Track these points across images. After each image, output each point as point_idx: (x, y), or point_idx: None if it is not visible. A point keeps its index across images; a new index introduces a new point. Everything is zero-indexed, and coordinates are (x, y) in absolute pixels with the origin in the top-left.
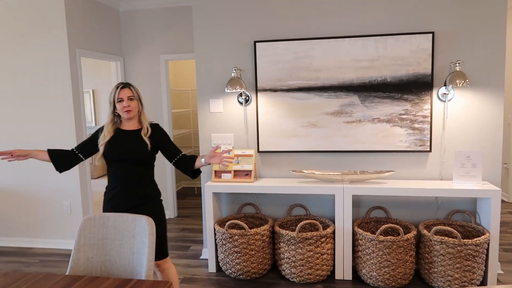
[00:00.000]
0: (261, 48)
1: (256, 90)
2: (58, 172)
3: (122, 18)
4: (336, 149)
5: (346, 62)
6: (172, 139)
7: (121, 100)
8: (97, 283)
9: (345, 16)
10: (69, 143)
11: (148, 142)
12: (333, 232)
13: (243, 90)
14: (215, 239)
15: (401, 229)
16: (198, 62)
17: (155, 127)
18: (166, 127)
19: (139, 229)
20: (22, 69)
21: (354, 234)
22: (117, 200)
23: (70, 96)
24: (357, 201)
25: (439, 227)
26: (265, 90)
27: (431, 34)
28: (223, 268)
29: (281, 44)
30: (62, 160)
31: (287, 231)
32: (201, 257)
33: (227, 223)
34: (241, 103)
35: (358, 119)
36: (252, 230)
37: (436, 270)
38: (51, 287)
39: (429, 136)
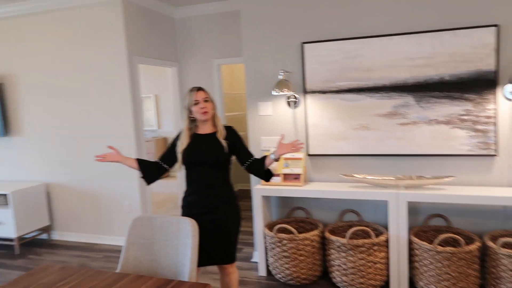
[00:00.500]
0: (309, 49)
1: (305, 92)
2: (142, 180)
3: (177, 25)
4: (389, 152)
5: (399, 61)
6: None
7: (197, 103)
8: (140, 282)
9: (397, 12)
10: (128, 145)
11: (224, 143)
12: (387, 240)
13: (290, 92)
14: (265, 243)
15: (462, 239)
16: (246, 65)
17: (230, 129)
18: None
19: (183, 230)
20: (84, 76)
21: (410, 243)
22: (196, 204)
23: (129, 101)
24: (413, 208)
25: (507, 239)
26: (313, 92)
27: (495, 28)
28: (272, 272)
29: (329, 45)
30: (149, 170)
31: (337, 237)
32: (252, 260)
33: (276, 227)
34: (289, 106)
35: (413, 120)
36: (301, 235)
37: (503, 287)
38: (99, 283)
39: (494, 138)
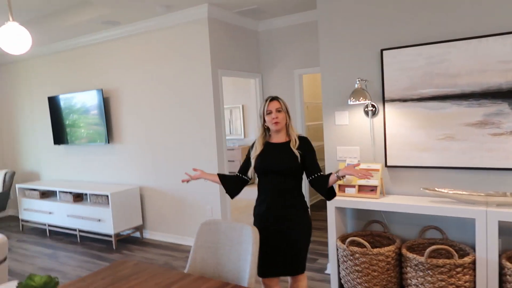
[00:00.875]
0: (389, 56)
1: (383, 101)
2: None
3: (261, 38)
4: (479, 165)
5: (491, 65)
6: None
7: (270, 113)
8: (200, 282)
9: (487, 11)
10: (210, 153)
11: (297, 153)
12: (473, 263)
13: (367, 101)
14: (337, 255)
15: None
16: (323, 75)
17: (303, 140)
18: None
19: (245, 237)
20: (173, 90)
21: (501, 268)
22: (266, 213)
23: (212, 111)
24: (507, 229)
25: None
26: (393, 100)
27: None
28: (344, 286)
29: (411, 50)
30: (230, 184)
31: (415, 255)
32: (326, 272)
33: (349, 239)
34: (367, 115)
35: (509, 130)
36: (374, 249)
37: None
38: (164, 280)
39: None
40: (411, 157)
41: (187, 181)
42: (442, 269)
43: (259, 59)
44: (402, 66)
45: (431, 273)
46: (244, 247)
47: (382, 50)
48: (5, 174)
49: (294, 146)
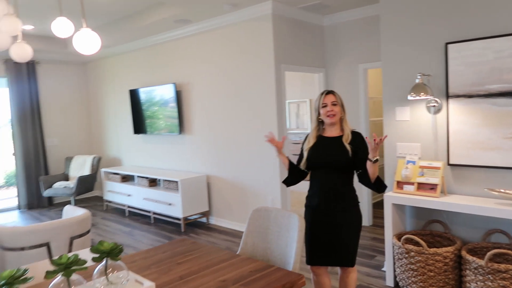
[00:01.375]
0: (454, 50)
1: (447, 96)
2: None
3: (326, 32)
4: None
5: None
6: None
7: (325, 106)
8: (247, 263)
9: None
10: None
11: (349, 148)
12: None
13: (428, 96)
14: (393, 252)
15: None
16: (384, 69)
17: (357, 135)
18: (364, 135)
19: (292, 224)
20: (238, 84)
21: None
22: (316, 206)
23: (275, 106)
24: None
25: None
26: (457, 96)
27: None
28: (399, 284)
29: (478, 44)
30: (293, 172)
31: (474, 258)
32: (382, 269)
33: (404, 237)
34: (429, 111)
35: None
36: (431, 249)
37: None
38: (215, 258)
39: None
40: (475, 156)
41: (270, 141)
42: (504, 274)
43: (324, 53)
44: (468, 61)
45: (491, 278)
46: (291, 234)
47: (446, 44)
48: (93, 159)
49: (346, 140)
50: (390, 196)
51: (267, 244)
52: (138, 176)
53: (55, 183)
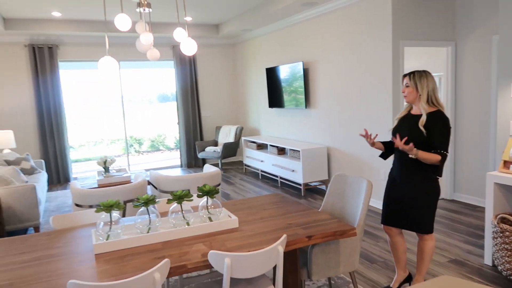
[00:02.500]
0: None
1: None
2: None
3: (457, 2)
4: None
5: None
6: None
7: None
8: (317, 214)
9: None
10: (386, 122)
11: (422, 129)
12: None
13: None
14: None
15: None
16: (501, 41)
17: (432, 115)
18: (493, 114)
19: (362, 188)
20: (356, 62)
21: None
22: (394, 174)
23: (390, 83)
24: None
25: None
26: None
27: None
28: (495, 262)
29: None
30: (387, 148)
31: None
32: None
33: (499, 216)
34: None
35: None
36: None
37: None
38: (294, 208)
39: None
40: None
41: (365, 136)
42: None
43: (454, 25)
44: None
45: None
46: (361, 197)
47: None
48: (237, 129)
49: (422, 122)
50: (493, 176)
51: (343, 204)
52: (270, 145)
53: (206, 147)
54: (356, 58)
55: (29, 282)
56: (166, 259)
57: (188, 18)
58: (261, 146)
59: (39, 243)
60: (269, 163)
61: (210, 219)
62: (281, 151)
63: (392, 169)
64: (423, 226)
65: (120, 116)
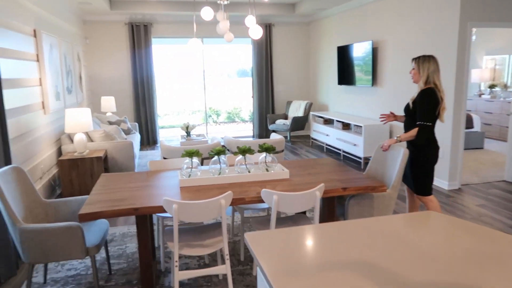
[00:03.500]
0: None
1: None
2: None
3: None
4: None
5: None
6: None
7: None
8: (355, 174)
9: None
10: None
11: (410, 101)
12: None
13: None
14: None
15: None
16: None
17: (422, 92)
18: None
19: (398, 156)
20: (420, 43)
21: None
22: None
23: (454, 63)
24: None
25: None
26: None
27: None
28: None
29: None
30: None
31: None
32: None
33: None
34: None
35: None
36: None
37: None
38: (338, 170)
39: None
40: None
41: (386, 117)
42: None
43: None
44: None
45: None
46: (397, 163)
47: None
48: (306, 104)
49: (413, 98)
50: None
51: (384, 170)
52: (336, 120)
53: (277, 120)
54: (423, 38)
55: (135, 199)
56: (229, 192)
57: None
58: (328, 121)
59: (140, 178)
60: (333, 137)
61: (267, 170)
62: (346, 126)
63: None
64: (418, 188)
65: (201, 89)
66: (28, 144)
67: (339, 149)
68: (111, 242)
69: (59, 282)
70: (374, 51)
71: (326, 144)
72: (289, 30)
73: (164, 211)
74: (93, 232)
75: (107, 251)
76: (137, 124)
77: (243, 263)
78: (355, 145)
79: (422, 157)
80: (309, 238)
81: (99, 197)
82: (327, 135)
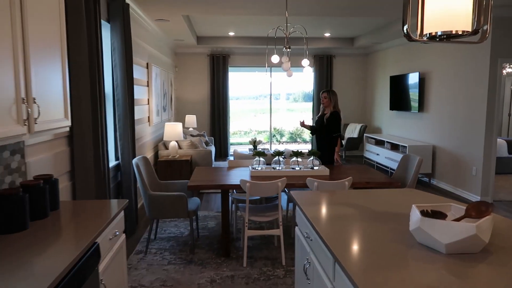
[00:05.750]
0: None
1: None
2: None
3: None
4: None
5: None
6: None
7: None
8: (378, 175)
9: None
10: (480, 125)
11: (324, 120)
12: None
13: None
14: None
15: None
16: None
17: (332, 113)
18: None
19: (415, 162)
20: (458, 74)
21: None
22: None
23: (485, 100)
24: None
25: None
26: None
27: None
28: None
29: None
30: (313, 130)
31: None
32: None
33: None
34: None
35: None
36: None
37: None
38: (368, 173)
39: None
40: None
41: (301, 124)
42: None
43: None
44: None
45: None
46: (413, 168)
47: None
48: (361, 126)
49: (326, 116)
50: None
51: (405, 174)
52: (386, 141)
53: None
54: (461, 71)
55: (220, 180)
56: (284, 177)
57: (327, 34)
58: (379, 142)
59: (222, 170)
60: (383, 156)
61: (312, 168)
62: (394, 147)
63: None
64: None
65: (267, 111)
66: (141, 146)
67: (388, 167)
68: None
69: (164, 239)
70: (421, 81)
71: (377, 163)
72: (348, 61)
73: (240, 189)
74: (191, 203)
75: (196, 222)
76: (213, 138)
77: (293, 239)
78: None
79: (331, 155)
80: (336, 199)
81: (198, 178)
82: (377, 154)
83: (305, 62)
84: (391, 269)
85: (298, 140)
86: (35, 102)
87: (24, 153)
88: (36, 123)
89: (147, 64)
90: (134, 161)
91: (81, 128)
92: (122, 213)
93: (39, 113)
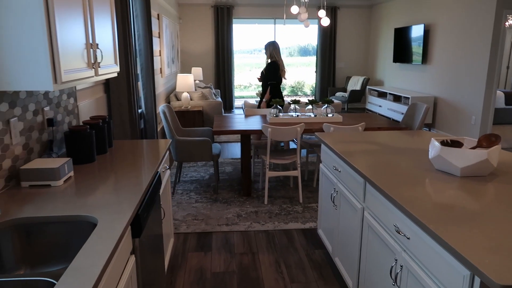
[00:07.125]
0: None
1: None
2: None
3: None
4: None
5: None
6: None
7: None
8: (388, 122)
9: None
10: (481, 77)
11: (263, 70)
12: None
13: None
14: None
15: None
16: None
17: (268, 63)
18: None
19: (422, 109)
20: (462, 26)
21: None
22: None
23: (489, 45)
24: None
25: None
26: None
27: None
28: None
29: None
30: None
31: None
32: None
33: None
34: None
35: None
36: None
37: None
38: (377, 122)
39: None
40: None
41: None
42: None
43: None
44: None
45: None
46: (421, 115)
47: None
48: (364, 79)
49: (264, 67)
50: None
51: (412, 121)
52: (388, 93)
53: (336, 92)
54: (466, 23)
55: (241, 126)
56: (302, 123)
57: None
58: (382, 94)
59: (240, 118)
60: (385, 107)
61: (326, 115)
62: (397, 98)
63: None
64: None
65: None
66: (156, 97)
67: (390, 118)
68: None
69: (187, 182)
70: (426, 33)
71: (379, 114)
72: (353, 13)
73: (261, 133)
74: (214, 148)
75: (217, 166)
76: (219, 90)
77: (307, 181)
78: (402, 113)
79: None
80: (357, 138)
81: (220, 124)
82: (379, 106)
83: (322, 13)
84: (415, 187)
85: (299, 93)
86: (98, 48)
87: (76, 97)
88: (99, 67)
89: (158, 15)
90: (160, 108)
91: (116, 76)
92: (167, 151)
93: (102, 57)
